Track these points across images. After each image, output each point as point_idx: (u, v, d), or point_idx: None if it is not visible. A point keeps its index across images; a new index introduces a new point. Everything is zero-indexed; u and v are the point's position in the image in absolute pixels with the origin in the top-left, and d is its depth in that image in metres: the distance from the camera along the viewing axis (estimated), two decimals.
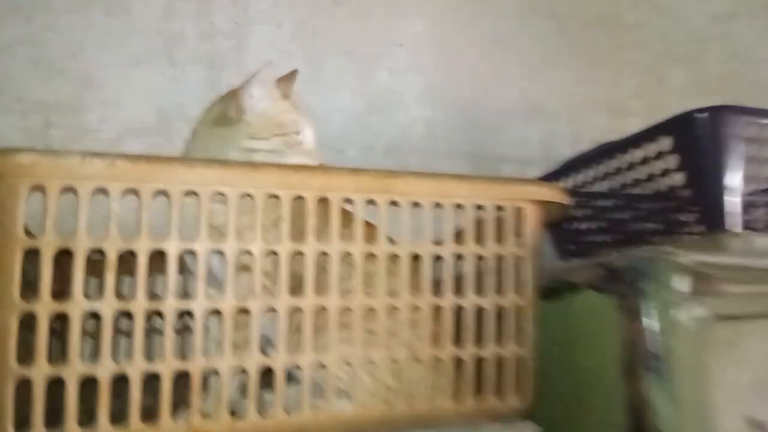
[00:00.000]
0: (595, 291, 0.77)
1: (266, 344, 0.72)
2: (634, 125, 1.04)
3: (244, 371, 0.67)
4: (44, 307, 0.60)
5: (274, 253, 0.67)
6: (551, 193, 0.77)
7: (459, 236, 0.75)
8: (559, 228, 1.15)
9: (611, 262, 0.75)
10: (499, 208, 0.76)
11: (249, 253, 0.66)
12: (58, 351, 0.62)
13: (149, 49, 1.22)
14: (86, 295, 0.61)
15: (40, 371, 0.60)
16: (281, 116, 0.81)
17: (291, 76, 0.87)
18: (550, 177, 1.17)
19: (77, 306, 0.61)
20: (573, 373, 0.80)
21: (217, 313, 0.66)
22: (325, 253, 0.69)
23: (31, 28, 1.16)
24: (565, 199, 0.79)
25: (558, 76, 1.45)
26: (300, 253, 0.68)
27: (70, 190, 0.62)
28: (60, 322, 0.61)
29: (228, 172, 0.65)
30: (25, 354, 0.59)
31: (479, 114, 1.40)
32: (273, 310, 0.67)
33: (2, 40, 1.14)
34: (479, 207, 0.75)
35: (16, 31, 1.15)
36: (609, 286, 0.74)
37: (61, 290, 0.61)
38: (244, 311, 0.67)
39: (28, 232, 0.61)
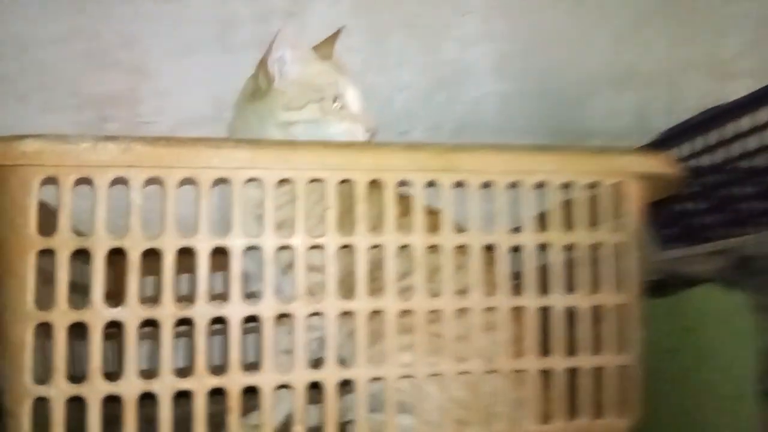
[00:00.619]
0: (719, 285, 0.61)
1: (320, 347, 0.62)
2: (742, 88, 0.92)
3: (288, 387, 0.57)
4: (61, 317, 0.53)
5: (319, 247, 0.57)
6: (657, 164, 0.63)
7: (542, 221, 0.62)
8: (657, 208, 1.00)
9: (742, 248, 0.60)
10: (592, 186, 0.62)
11: (289, 248, 0.57)
12: None
13: (203, 36, 1.16)
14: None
15: (59, 390, 0.53)
16: (316, 79, 0.71)
17: (335, 35, 0.76)
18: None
19: (98, 315, 0.54)
20: (691, 389, 0.66)
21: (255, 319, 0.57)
22: (379, 246, 0.58)
23: (84, 20, 1.13)
24: (674, 172, 0.64)
25: (652, 37, 1.28)
26: (349, 247, 0.57)
27: (85, 181, 0.54)
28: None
29: (261, 154, 0.55)
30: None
31: (561, 84, 1.26)
32: (319, 314, 0.57)
33: (56, 33, 1.11)
34: (566, 185, 0.62)
35: (69, 24, 1.12)
36: (740, 279, 0.59)
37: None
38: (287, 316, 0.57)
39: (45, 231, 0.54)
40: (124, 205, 0.55)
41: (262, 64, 0.71)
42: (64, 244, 0.53)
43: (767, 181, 0.88)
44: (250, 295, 0.80)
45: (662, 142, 1.02)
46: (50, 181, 0.54)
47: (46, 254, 0.53)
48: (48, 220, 0.54)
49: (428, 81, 1.20)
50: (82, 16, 1.12)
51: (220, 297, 0.56)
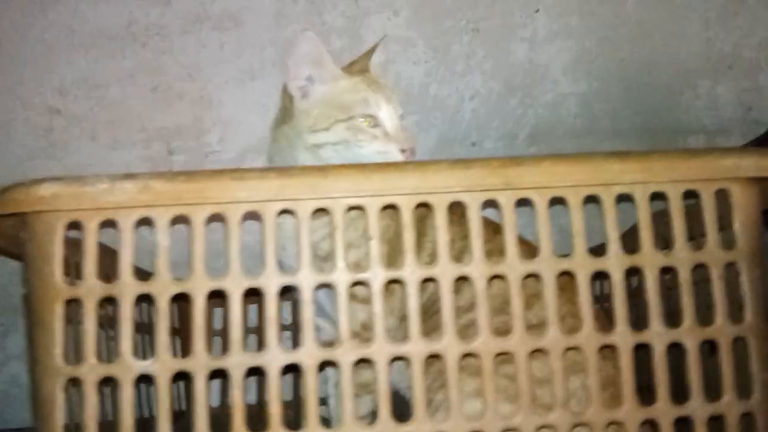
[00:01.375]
0: None
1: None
2: None
3: None
4: (90, 371, 0.49)
5: (363, 283, 0.50)
6: None
7: (630, 241, 0.52)
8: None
9: None
10: (691, 195, 0.51)
11: (329, 286, 0.50)
12: None
13: (262, 61, 1.14)
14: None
15: None
16: (343, 96, 0.64)
17: (372, 48, 0.69)
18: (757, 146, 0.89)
19: (127, 369, 0.49)
20: None
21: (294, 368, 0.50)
22: (432, 280, 0.50)
23: (148, 55, 1.14)
24: None
25: (754, 17, 1.15)
26: (398, 282, 0.50)
27: (109, 223, 0.50)
28: None
29: (290, 182, 0.49)
30: None
31: (649, 79, 1.15)
32: (367, 361, 0.50)
33: (122, 70, 1.13)
34: (657, 195, 0.51)
35: (134, 60, 1.13)
36: None
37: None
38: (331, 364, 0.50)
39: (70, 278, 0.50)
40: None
41: (285, 84, 0.65)
42: (90, 292, 0.50)
43: None
44: None
45: None
46: (74, 226, 0.50)
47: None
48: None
49: (497, 87, 1.14)
50: (145, 50, 1.13)
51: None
